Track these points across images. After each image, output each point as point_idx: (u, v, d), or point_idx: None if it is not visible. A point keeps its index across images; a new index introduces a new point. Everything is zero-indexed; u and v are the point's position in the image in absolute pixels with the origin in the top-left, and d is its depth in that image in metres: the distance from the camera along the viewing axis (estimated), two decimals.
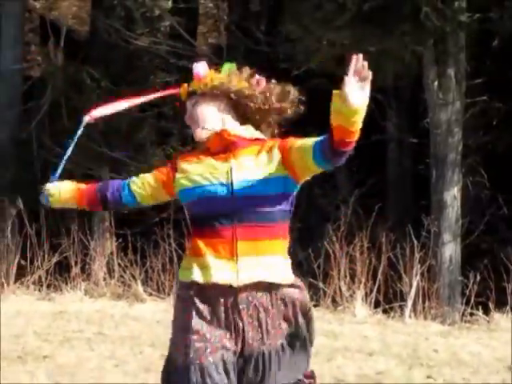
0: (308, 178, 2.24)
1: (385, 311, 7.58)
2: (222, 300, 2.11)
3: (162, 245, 7.97)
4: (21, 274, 8.34)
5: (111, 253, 8.96)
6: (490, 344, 6.23)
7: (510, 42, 8.77)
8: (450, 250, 8.58)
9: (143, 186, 2.33)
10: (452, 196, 8.73)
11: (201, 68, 2.29)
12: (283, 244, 2.22)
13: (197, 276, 2.13)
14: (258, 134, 2.27)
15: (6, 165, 10.06)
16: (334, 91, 1.89)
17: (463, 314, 7.73)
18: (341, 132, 1.92)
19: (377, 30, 8.45)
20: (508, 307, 7.23)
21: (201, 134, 2.26)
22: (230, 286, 2.09)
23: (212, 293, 2.11)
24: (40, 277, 8.30)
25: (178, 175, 2.26)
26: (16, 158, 10.22)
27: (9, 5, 10.51)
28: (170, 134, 10.76)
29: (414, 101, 10.12)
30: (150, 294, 8.28)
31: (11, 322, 6.20)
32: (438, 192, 8.78)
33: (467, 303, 7.60)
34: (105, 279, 8.54)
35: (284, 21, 9.86)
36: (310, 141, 2.13)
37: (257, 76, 2.27)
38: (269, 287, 2.14)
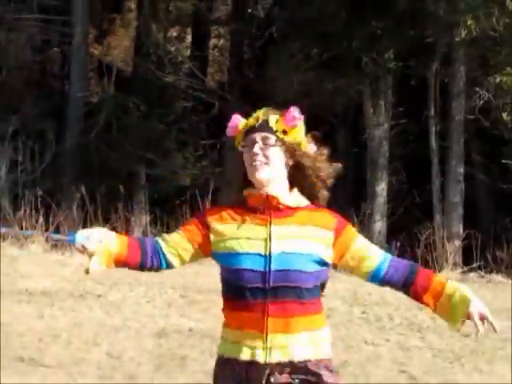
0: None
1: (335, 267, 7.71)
2: (251, 377, 1.39)
3: (181, 219, 8.01)
4: None
5: (145, 225, 9.06)
6: None
7: (423, 82, 8.89)
8: (379, 226, 8.72)
9: (178, 253, 1.46)
10: (381, 188, 8.89)
11: (297, 114, 1.41)
12: (319, 318, 1.45)
13: (227, 350, 1.44)
14: (304, 201, 1.44)
15: (73, 163, 10.15)
16: (468, 296, 1.37)
17: None
18: (440, 314, 1.43)
19: (332, 73, 8.53)
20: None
21: (264, 178, 1.38)
22: (259, 364, 1.38)
23: (241, 369, 1.40)
24: None
25: (212, 237, 1.44)
26: (80, 158, 10.27)
27: (77, 52, 10.63)
28: (186, 143, 10.81)
29: (356, 122, 10.18)
30: None
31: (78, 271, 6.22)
32: (372, 186, 8.93)
33: None
34: None
35: (268, 66, 10.01)
36: (374, 259, 1.43)
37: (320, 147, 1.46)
38: (298, 366, 1.40)
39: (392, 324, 5.00)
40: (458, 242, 8.13)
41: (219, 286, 1.48)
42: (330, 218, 1.44)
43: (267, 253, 1.37)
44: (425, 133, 8.97)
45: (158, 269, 1.50)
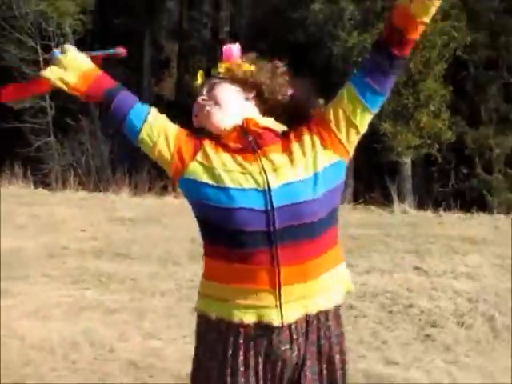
0: (356, 143, 1.24)
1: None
2: (259, 342, 1.16)
3: None
4: None
5: None
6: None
7: None
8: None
9: (156, 134, 1.21)
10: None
11: (234, 49, 1.29)
12: (337, 252, 1.24)
13: (216, 310, 1.19)
14: (283, 127, 1.26)
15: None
16: None
17: None
18: (407, 26, 1.14)
19: None
20: None
21: (219, 121, 1.22)
22: (271, 326, 1.15)
23: (246, 334, 1.17)
24: None
25: (198, 157, 1.20)
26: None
27: None
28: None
29: None
30: None
31: None
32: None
33: None
34: None
35: None
36: (343, 88, 1.23)
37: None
38: (317, 316, 1.20)
39: None
40: None
41: None
42: (304, 126, 1.24)
43: (265, 187, 1.15)
44: None
45: (121, 124, 1.23)
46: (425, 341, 3.42)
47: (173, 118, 1.28)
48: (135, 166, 11.03)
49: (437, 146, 11.65)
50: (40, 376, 2.83)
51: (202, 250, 1.26)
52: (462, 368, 3.05)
